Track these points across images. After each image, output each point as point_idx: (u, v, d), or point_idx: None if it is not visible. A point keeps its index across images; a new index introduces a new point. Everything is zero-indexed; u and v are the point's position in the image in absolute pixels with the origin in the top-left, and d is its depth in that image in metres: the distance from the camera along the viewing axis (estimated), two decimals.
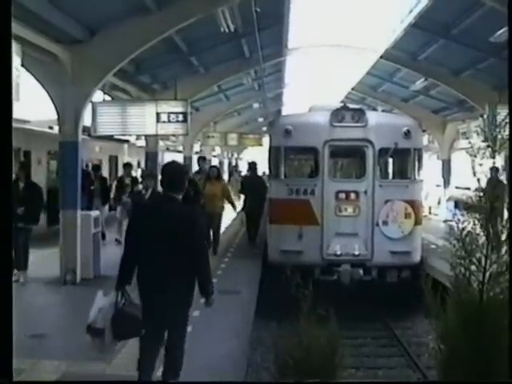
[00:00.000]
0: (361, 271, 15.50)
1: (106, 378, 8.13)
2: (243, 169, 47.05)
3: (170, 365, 7.17)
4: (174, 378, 7.12)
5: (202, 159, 21.79)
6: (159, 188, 13.58)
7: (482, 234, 4.29)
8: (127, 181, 20.03)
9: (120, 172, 26.06)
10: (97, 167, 23.02)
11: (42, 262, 15.73)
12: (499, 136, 4.32)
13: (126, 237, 7.40)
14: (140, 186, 17.78)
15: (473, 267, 4.31)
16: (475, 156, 4.51)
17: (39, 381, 6.91)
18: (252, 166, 22.31)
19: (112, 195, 20.86)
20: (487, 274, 4.27)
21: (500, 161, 4.66)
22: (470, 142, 4.74)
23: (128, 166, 21.76)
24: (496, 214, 4.35)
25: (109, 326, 6.84)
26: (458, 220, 4.43)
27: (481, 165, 4.36)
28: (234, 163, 60.59)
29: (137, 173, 26.42)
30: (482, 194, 4.32)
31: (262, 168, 28.59)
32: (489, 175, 4.44)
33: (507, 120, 4.36)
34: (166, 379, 7.16)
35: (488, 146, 4.38)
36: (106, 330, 6.81)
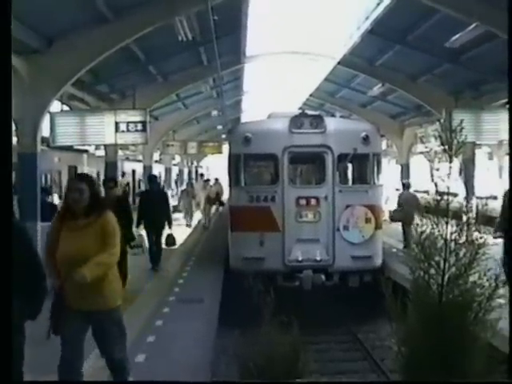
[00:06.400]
0: (323, 276, 15.53)
1: None
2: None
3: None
4: None
5: None
6: None
7: (440, 237, 4.33)
8: None
9: None
10: None
11: None
12: (455, 141, 4.38)
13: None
14: None
15: (432, 270, 4.36)
16: (432, 160, 4.57)
17: (39, 381, 6.80)
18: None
19: None
20: (446, 276, 4.33)
21: (457, 164, 4.73)
22: (426, 147, 4.82)
23: None
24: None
25: None
26: (417, 224, 4.48)
27: (437, 169, 4.41)
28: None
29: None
30: (439, 197, 4.37)
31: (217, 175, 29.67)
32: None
33: (462, 126, 4.41)
34: None
35: (444, 151, 4.43)
36: None
